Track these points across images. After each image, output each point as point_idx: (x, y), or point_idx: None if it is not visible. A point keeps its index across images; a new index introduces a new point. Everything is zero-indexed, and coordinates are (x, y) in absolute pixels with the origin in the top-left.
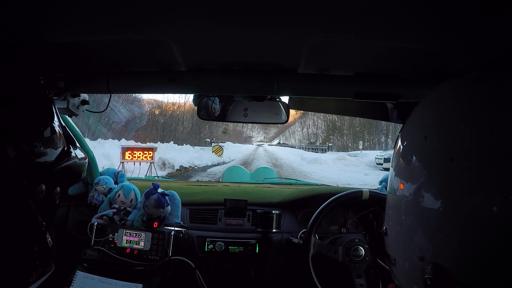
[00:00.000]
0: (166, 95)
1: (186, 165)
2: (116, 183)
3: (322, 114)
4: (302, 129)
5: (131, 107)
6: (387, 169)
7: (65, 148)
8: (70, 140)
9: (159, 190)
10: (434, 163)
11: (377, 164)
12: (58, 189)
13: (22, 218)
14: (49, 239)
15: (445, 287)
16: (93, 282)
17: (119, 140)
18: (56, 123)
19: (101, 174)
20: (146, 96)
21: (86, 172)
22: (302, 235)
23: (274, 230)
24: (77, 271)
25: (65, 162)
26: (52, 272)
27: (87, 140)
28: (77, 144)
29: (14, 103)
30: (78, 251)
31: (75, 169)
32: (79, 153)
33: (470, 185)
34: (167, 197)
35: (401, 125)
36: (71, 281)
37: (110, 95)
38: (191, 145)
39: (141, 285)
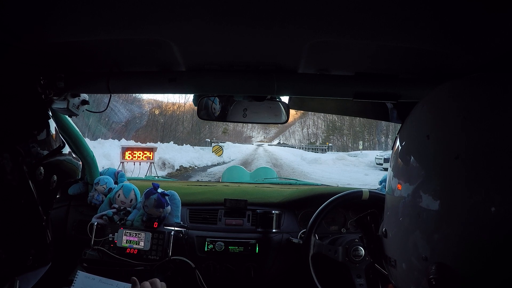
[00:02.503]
0: (166, 95)
1: (186, 165)
2: (116, 183)
3: (322, 114)
4: (302, 129)
5: (131, 107)
6: (387, 169)
7: (61, 145)
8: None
9: (159, 190)
10: (438, 161)
11: (377, 164)
12: (55, 177)
13: (22, 198)
14: (48, 232)
15: (451, 286)
16: (94, 282)
17: (119, 140)
18: (52, 124)
19: (101, 174)
20: (146, 96)
21: (86, 172)
22: (302, 235)
23: (274, 230)
24: (78, 271)
25: (60, 156)
26: (51, 271)
27: (87, 140)
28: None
29: (12, 103)
30: (78, 251)
31: (71, 165)
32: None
33: (475, 181)
34: (167, 197)
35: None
36: (71, 281)
37: (110, 95)
38: (191, 145)
39: None
